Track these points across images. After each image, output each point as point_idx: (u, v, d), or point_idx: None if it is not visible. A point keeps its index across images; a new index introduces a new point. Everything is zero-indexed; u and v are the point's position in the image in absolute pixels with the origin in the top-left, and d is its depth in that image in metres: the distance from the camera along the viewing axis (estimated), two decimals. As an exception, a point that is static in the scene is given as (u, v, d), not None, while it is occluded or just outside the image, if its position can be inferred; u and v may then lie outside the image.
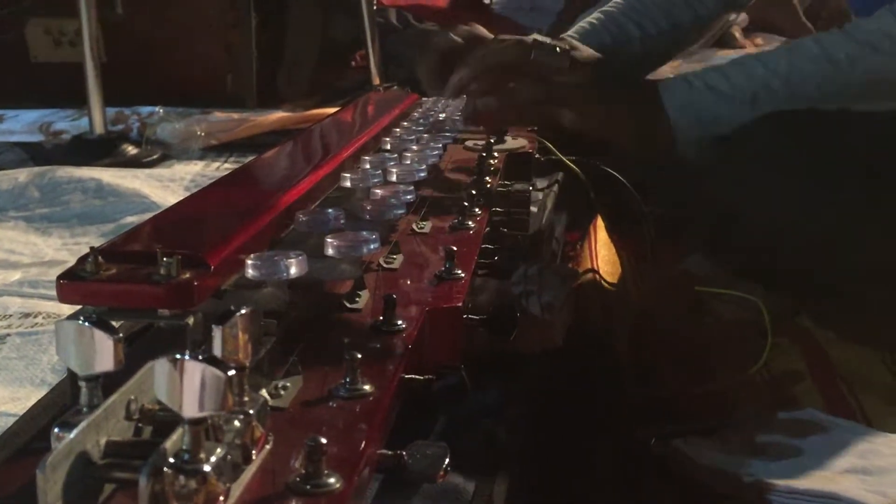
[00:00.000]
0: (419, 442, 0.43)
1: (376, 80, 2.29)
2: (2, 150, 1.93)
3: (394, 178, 0.73)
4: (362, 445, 0.41)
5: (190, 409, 0.33)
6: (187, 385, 0.33)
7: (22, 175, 1.62)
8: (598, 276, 1.13)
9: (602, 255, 1.19)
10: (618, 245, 1.20)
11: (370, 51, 2.30)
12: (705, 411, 0.90)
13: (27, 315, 1.13)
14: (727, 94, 1.02)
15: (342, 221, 0.58)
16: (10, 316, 1.13)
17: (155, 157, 1.89)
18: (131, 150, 1.89)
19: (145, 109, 2.10)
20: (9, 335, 1.07)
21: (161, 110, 2.08)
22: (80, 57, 1.88)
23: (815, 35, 1.07)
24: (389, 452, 0.43)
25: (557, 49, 1.06)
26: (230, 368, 0.34)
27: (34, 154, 1.90)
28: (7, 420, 0.87)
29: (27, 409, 0.55)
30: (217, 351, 0.37)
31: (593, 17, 1.35)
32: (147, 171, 1.75)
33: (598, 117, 1.07)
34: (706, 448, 0.78)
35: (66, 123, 2.09)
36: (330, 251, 0.54)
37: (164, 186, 1.63)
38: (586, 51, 1.10)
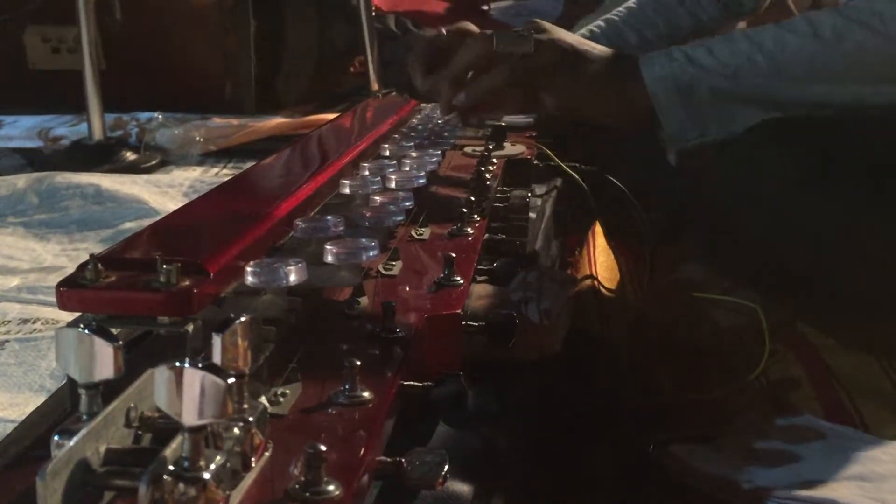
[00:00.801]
0: (418, 449, 0.43)
1: (375, 86, 2.29)
2: (0, 156, 1.93)
3: (393, 185, 0.73)
4: (361, 452, 0.41)
5: (189, 417, 0.33)
6: (187, 393, 0.33)
7: (21, 181, 1.62)
8: (596, 283, 1.13)
9: (600, 261, 1.19)
10: (616, 251, 1.20)
11: (369, 57, 2.30)
12: (703, 418, 0.90)
13: (26, 321, 1.13)
14: (708, 68, 1.00)
15: (341, 228, 0.58)
16: (9, 322, 1.13)
17: (154, 162, 1.89)
18: (130, 155, 1.90)
19: (144, 115, 2.10)
20: (7, 341, 1.07)
21: (160, 116, 2.09)
22: (78, 64, 1.89)
23: (805, 13, 1.04)
24: (388, 459, 0.43)
25: (522, 34, 1.05)
26: (230, 376, 0.34)
27: (33, 160, 1.91)
28: (6, 426, 0.87)
29: (25, 415, 0.55)
30: (217, 358, 0.37)
31: (594, 24, 1.35)
32: (146, 176, 1.75)
33: (573, 93, 1.05)
34: (704, 454, 0.78)
35: (65, 129, 2.09)
36: (329, 258, 0.54)
37: (162, 192, 1.63)
38: (555, 31, 1.08)
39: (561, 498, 0.76)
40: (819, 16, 0.99)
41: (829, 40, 0.97)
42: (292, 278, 0.48)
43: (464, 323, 0.59)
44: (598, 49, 1.07)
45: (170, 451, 0.34)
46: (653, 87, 1.01)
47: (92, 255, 0.45)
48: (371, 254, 0.55)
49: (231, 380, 0.33)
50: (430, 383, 0.51)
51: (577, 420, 0.82)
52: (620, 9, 1.37)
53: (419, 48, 1.12)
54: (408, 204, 0.68)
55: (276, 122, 2.11)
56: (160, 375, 0.33)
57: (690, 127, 1.02)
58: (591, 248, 1.20)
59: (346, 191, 0.70)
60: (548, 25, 1.08)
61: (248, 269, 0.48)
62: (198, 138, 1.97)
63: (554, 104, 1.05)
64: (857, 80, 0.98)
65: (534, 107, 1.09)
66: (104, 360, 0.37)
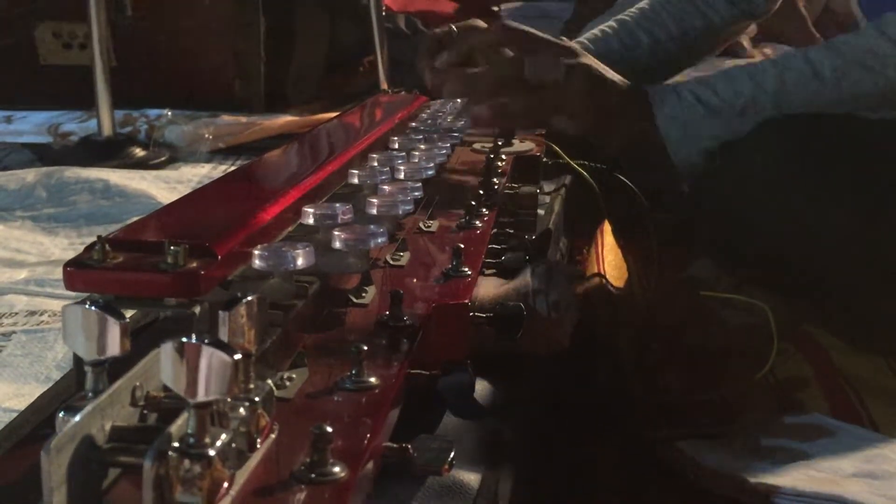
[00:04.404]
0: (424, 436, 0.43)
1: (384, 86, 2.29)
2: (10, 151, 1.93)
3: (402, 176, 0.73)
4: (367, 436, 0.40)
5: (195, 393, 0.33)
6: (193, 368, 0.33)
7: (30, 175, 1.62)
8: (604, 281, 1.13)
9: (609, 259, 1.18)
10: (625, 250, 1.20)
11: (379, 56, 2.30)
12: (711, 416, 0.89)
13: (33, 313, 1.13)
14: (716, 108, 1.04)
15: (350, 216, 0.58)
16: (16, 314, 1.13)
17: (162, 159, 1.89)
18: (139, 152, 1.89)
19: (153, 112, 2.10)
20: (14, 332, 1.07)
21: (169, 113, 2.08)
22: (89, 60, 1.89)
23: (803, 49, 1.08)
24: (394, 445, 0.42)
25: (554, 59, 1.07)
26: (236, 352, 0.33)
27: (42, 155, 1.90)
28: (11, 416, 0.87)
29: (31, 404, 0.55)
30: (223, 336, 0.37)
31: (606, 25, 1.35)
32: (154, 172, 1.75)
33: (590, 124, 1.08)
34: (711, 451, 0.78)
35: (75, 125, 2.09)
36: (337, 244, 0.54)
37: (171, 188, 1.63)
38: (586, 57, 1.10)
39: (566, 494, 0.75)
40: (817, 55, 1.03)
41: (828, 80, 1.01)
42: (300, 262, 0.48)
43: (471, 314, 0.58)
44: (621, 81, 1.09)
45: (175, 427, 0.34)
46: (664, 127, 1.05)
47: (99, 237, 0.45)
48: (379, 240, 0.54)
49: (237, 356, 0.33)
50: (436, 372, 0.51)
51: (583, 415, 0.82)
52: (633, 9, 1.38)
53: (427, 44, 1.13)
54: (417, 194, 0.67)
55: (285, 120, 2.11)
56: (166, 351, 0.33)
57: (697, 159, 1.06)
58: (600, 247, 1.20)
59: (355, 180, 0.70)
60: (578, 49, 1.10)
61: (256, 252, 0.48)
62: (207, 135, 1.96)
63: (571, 130, 1.08)
64: (855, 109, 1.03)
65: (549, 125, 1.11)
66: (111, 337, 0.37)
